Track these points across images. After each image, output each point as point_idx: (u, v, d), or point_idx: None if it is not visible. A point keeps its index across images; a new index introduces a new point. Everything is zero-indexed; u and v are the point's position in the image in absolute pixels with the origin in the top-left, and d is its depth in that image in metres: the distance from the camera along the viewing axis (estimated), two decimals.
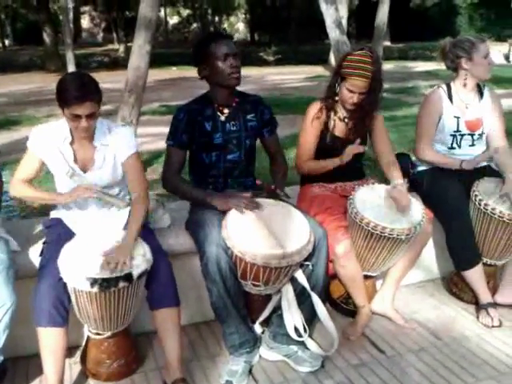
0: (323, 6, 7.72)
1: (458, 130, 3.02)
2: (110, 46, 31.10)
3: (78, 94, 2.16)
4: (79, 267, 2.13)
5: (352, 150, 2.75)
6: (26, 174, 2.39)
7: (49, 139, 2.34)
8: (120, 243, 2.25)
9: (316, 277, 2.49)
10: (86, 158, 2.38)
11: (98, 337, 2.36)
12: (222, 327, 2.48)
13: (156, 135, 6.06)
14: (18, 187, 2.39)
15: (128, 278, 2.12)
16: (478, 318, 2.87)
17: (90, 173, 2.38)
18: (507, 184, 2.84)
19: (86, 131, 2.27)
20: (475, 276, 2.87)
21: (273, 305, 2.58)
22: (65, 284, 2.16)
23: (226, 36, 2.64)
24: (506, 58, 22.43)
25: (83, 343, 2.53)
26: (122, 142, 2.41)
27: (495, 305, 2.89)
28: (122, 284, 2.11)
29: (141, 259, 2.20)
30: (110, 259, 2.15)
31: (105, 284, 2.08)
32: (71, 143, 2.35)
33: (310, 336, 2.59)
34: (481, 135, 3.07)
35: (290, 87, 14.24)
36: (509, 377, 2.41)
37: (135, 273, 2.14)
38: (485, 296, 2.88)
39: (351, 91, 2.71)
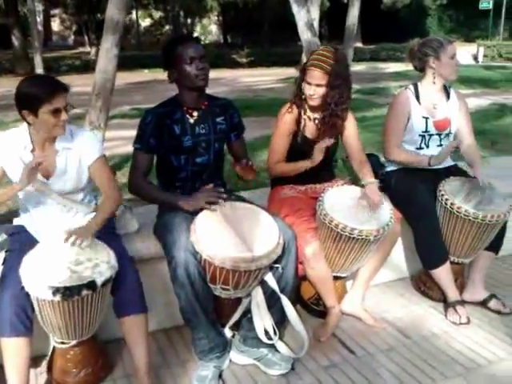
0: (295, 8, 7.75)
1: (426, 131, 3.05)
2: (82, 49, 30.78)
3: (55, 86, 2.17)
4: (41, 276, 2.08)
5: (320, 146, 2.71)
6: None
7: (8, 147, 2.29)
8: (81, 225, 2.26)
9: (286, 279, 2.48)
10: (48, 164, 2.32)
11: (63, 346, 2.31)
12: (191, 332, 2.46)
13: (126, 138, 5.97)
14: None
15: (91, 285, 2.07)
16: (446, 315, 2.91)
17: (53, 178, 2.33)
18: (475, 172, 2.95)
19: (64, 125, 2.24)
20: (443, 274, 2.91)
21: (243, 308, 2.56)
22: (27, 293, 2.11)
23: (193, 38, 2.62)
24: (475, 58, 22.84)
25: (49, 352, 2.48)
26: (87, 146, 2.38)
27: (463, 302, 2.92)
28: (85, 292, 2.06)
29: (105, 266, 2.16)
30: (70, 232, 2.15)
31: (67, 292, 2.03)
32: (32, 151, 2.30)
33: (281, 338, 2.58)
34: (448, 135, 3.11)
35: (263, 89, 14.29)
36: (476, 373, 2.44)
37: (99, 280, 2.09)
38: (453, 294, 2.91)
39: (309, 83, 2.72)
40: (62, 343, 2.30)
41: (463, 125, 3.13)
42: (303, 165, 2.80)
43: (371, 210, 2.67)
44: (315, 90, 2.72)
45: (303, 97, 2.81)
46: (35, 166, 2.18)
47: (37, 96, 2.15)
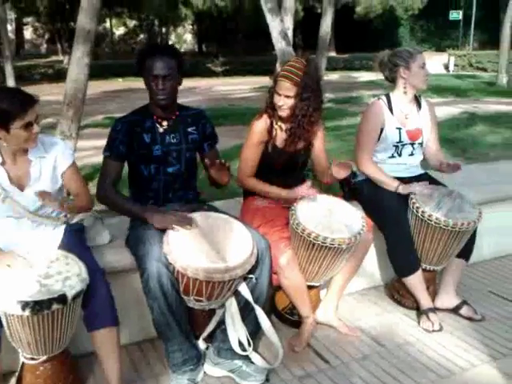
0: (269, 18, 7.82)
1: (400, 141, 3.08)
2: (54, 58, 30.44)
3: (26, 100, 2.15)
4: (9, 290, 2.03)
5: (302, 192, 2.75)
6: None
7: None
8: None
9: (260, 289, 2.48)
10: (21, 175, 2.29)
11: (32, 362, 2.25)
12: (165, 345, 2.43)
13: (99, 148, 5.87)
14: None
15: (62, 299, 2.03)
16: (419, 323, 2.93)
17: (28, 189, 2.29)
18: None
19: (36, 138, 2.22)
20: (415, 282, 2.93)
21: (216, 320, 2.55)
22: None
23: (164, 52, 2.55)
24: (446, 67, 23.27)
25: (18, 368, 2.42)
26: (60, 154, 2.38)
27: (435, 310, 2.95)
28: (55, 306, 2.02)
29: (76, 279, 2.12)
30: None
31: (37, 307, 1.99)
32: (2, 164, 2.26)
33: (255, 350, 2.56)
34: (420, 144, 3.15)
35: (238, 98, 14.34)
36: (449, 380, 2.46)
37: (69, 294, 2.05)
38: (425, 301, 2.94)
39: (278, 94, 2.74)
40: (32, 359, 2.24)
41: (432, 133, 3.20)
42: (276, 192, 2.84)
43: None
44: (284, 100, 2.73)
45: (275, 107, 2.82)
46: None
47: (8, 112, 2.11)
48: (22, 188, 2.29)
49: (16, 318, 2.04)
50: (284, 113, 2.77)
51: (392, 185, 3.00)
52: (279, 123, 2.86)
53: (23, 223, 2.35)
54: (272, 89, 2.82)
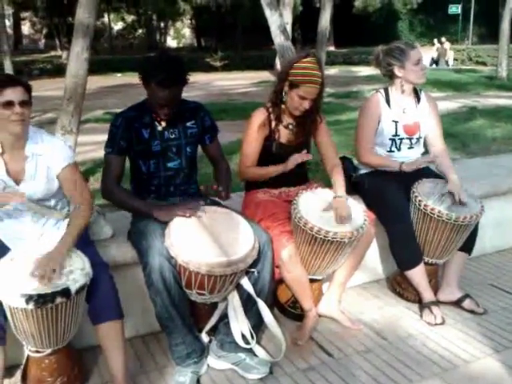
0: (267, 12, 7.81)
1: (396, 134, 3.08)
2: (53, 53, 30.36)
3: (9, 79, 2.19)
4: (13, 283, 2.04)
5: (298, 158, 2.73)
6: None
7: None
8: (50, 251, 2.18)
9: (262, 283, 2.48)
10: (18, 169, 2.27)
11: (37, 355, 2.26)
12: (168, 338, 2.44)
13: (100, 143, 5.88)
14: None
15: (65, 293, 2.04)
16: (421, 316, 2.94)
17: (24, 184, 2.28)
18: (450, 184, 2.94)
19: (20, 122, 2.17)
20: (418, 275, 2.94)
21: (219, 313, 2.55)
22: (0, 301, 2.07)
23: (175, 81, 2.47)
24: (445, 62, 23.19)
25: (23, 361, 2.43)
26: (55, 154, 2.31)
27: (438, 303, 2.96)
28: (59, 300, 2.03)
29: (79, 273, 2.13)
30: (39, 267, 2.09)
31: (41, 300, 2.00)
32: (1, 154, 2.25)
33: (258, 342, 2.58)
34: (418, 139, 3.14)
35: (238, 92, 14.31)
36: (452, 373, 2.47)
37: (73, 288, 2.06)
38: (427, 295, 2.95)
39: (303, 98, 2.70)
40: (37, 352, 2.25)
41: (433, 129, 3.17)
42: (275, 169, 2.81)
43: (338, 223, 2.66)
44: (309, 103, 2.72)
45: (282, 106, 2.81)
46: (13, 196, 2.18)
47: None
48: (17, 182, 2.28)
49: (20, 311, 2.05)
50: (302, 113, 2.77)
51: (395, 165, 3.00)
52: (285, 119, 2.85)
53: (25, 217, 2.34)
54: (279, 88, 2.78)
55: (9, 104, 2.13)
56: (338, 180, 2.84)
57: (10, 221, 2.34)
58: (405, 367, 2.52)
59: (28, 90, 2.21)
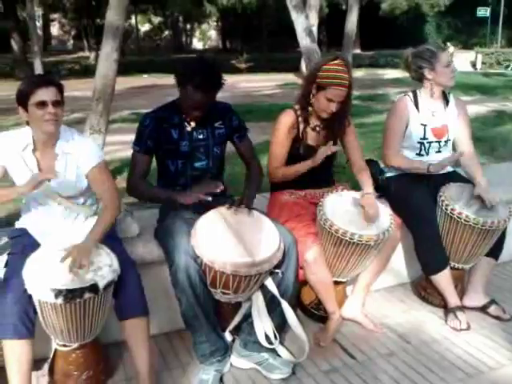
0: (293, 15, 7.80)
1: (424, 138, 3.06)
2: (81, 54, 30.84)
3: (43, 79, 2.23)
4: (43, 278, 2.08)
5: (325, 150, 2.71)
6: None
7: (10, 146, 2.29)
8: (78, 246, 2.22)
9: (286, 284, 2.49)
10: (49, 167, 2.33)
11: (64, 348, 2.31)
12: (193, 336, 2.46)
13: (126, 143, 5.97)
14: None
15: (94, 288, 2.08)
16: (446, 321, 2.91)
17: (54, 181, 2.33)
18: (478, 187, 2.90)
19: (53, 122, 2.21)
20: (443, 280, 2.91)
21: (243, 313, 2.57)
22: (30, 295, 2.11)
23: (214, 87, 2.55)
24: (473, 65, 22.91)
25: (51, 355, 2.48)
26: (85, 153, 2.36)
27: (463, 308, 2.93)
28: (87, 295, 2.07)
29: (107, 269, 2.16)
30: (69, 257, 2.14)
31: (69, 295, 2.04)
32: (33, 151, 2.31)
33: (281, 343, 2.58)
34: (447, 142, 3.12)
35: (262, 94, 14.31)
36: (477, 379, 2.44)
37: (101, 284, 2.10)
38: (453, 299, 2.92)
39: (331, 100, 2.70)
40: (64, 346, 2.30)
41: (462, 131, 3.14)
42: (304, 165, 2.79)
43: (366, 222, 2.67)
44: (337, 106, 2.72)
45: (310, 109, 2.81)
46: (42, 180, 2.19)
47: (24, 90, 2.20)
48: (48, 180, 2.32)
49: (49, 306, 2.09)
50: (329, 116, 2.77)
51: (423, 167, 2.98)
52: (312, 121, 2.85)
53: (55, 212, 2.39)
54: (307, 91, 2.78)
55: (42, 104, 2.17)
56: (366, 180, 2.85)
57: (41, 217, 2.40)
58: (429, 372, 2.50)
59: (60, 90, 2.26)
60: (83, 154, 2.36)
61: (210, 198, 2.45)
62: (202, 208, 2.50)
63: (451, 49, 22.45)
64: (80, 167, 2.37)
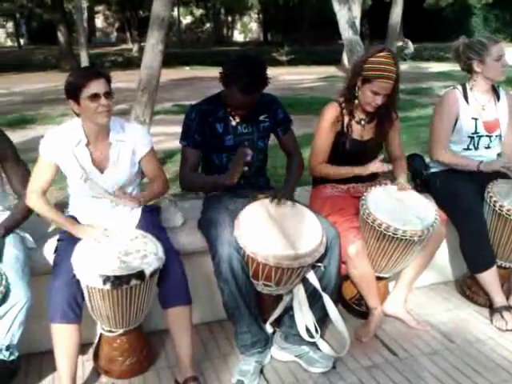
0: (336, 7, 7.70)
1: (476, 132, 2.98)
2: (124, 46, 31.25)
3: (93, 71, 2.28)
4: (92, 264, 2.14)
5: (378, 167, 2.70)
6: (41, 183, 2.36)
7: (61, 143, 2.33)
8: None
9: (328, 278, 2.48)
10: (102, 157, 2.38)
11: (110, 334, 2.37)
12: (234, 327, 2.48)
13: (169, 134, 6.08)
14: (34, 201, 2.35)
15: (140, 275, 2.12)
16: (491, 321, 2.84)
17: (107, 171, 2.38)
18: None
19: (107, 113, 2.26)
20: (489, 279, 2.84)
21: (284, 305, 2.57)
22: (78, 281, 2.17)
23: (260, 88, 2.54)
24: None
25: (96, 340, 2.54)
26: (139, 139, 2.44)
27: (510, 308, 2.85)
28: (133, 282, 2.11)
29: (153, 257, 2.20)
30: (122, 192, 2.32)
31: (117, 281, 2.09)
32: (87, 145, 2.36)
33: (322, 337, 2.58)
34: (497, 136, 3.03)
35: (304, 87, 14.21)
36: None
37: (147, 271, 2.14)
38: (499, 299, 2.85)
39: (376, 93, 2.66)
40: (110, 331, 2.36)
41: (509, 127, 3.05)
42: (349, 171, 2.80)
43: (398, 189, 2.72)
44: (382, 99, 2.68)
45: (355, 102, 2.77)
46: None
47: (74, 83, 2.23)
48: (102, 170, 2.38)
49: (97, 292, 2.15)
50: (374, 109, 2.74)
51: (473, 165, 2.93)
52: (357, 114, 2.82)
53: (103, 203, 2.45)
54: (352, 84, 2.75)
55: (95, 96, 2.22)
56: (400, 166, 2.92)
57: (89, 206, 2.45)
58: (473, 372, 2.45)
59: (109, 80, 2.30)
60: (137, 139, 2.44)
61: (246, 168, 2.44)
62: (243, 194, 2.57)
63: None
64: (136, 152, 2.44)
